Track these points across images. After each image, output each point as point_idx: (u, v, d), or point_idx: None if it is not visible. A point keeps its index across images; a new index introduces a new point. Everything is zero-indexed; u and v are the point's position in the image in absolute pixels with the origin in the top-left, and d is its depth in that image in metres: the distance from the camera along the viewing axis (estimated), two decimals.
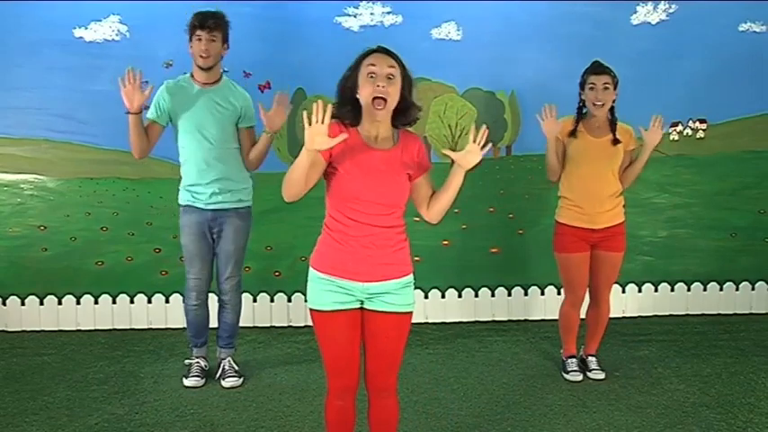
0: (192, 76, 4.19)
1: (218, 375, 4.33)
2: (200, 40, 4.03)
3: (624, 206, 4.30)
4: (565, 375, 4.37)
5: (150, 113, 4.14)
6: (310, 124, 2.50)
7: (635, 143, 4.26)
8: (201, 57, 4.05)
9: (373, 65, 2.69)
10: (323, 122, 2.50)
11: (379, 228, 2.75)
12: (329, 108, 2.52)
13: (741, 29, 5.30)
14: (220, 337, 4.41)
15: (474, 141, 2.77)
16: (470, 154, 2.77)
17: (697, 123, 5.40)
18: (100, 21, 5.04)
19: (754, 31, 5.30)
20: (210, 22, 4.02)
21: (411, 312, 2.88)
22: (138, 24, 5.05)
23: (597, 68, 4.17)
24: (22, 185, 5.23)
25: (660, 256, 5.45)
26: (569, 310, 4.36)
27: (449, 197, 2.84)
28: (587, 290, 4.35)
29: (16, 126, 5.13)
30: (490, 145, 2.80)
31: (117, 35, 5.06)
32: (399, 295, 2.81)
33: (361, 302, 2.82)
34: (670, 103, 5.30)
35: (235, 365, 4.35)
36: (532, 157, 5.36)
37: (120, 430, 3.73)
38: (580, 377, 4.33)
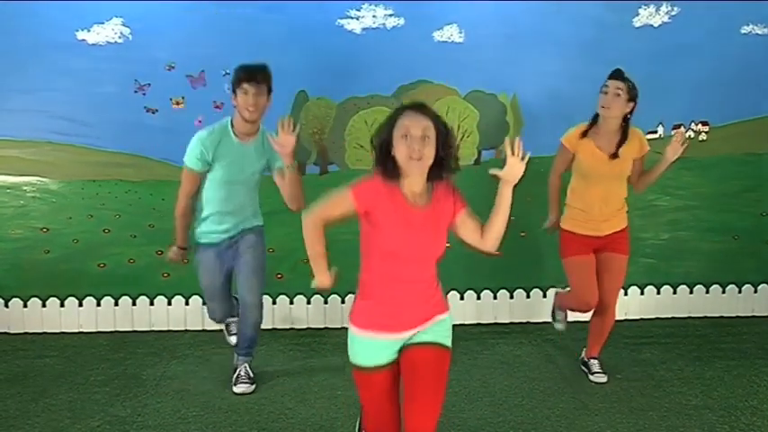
0: (231, 125, 4.12)
1: (233, 380, 4.33)
2: (246, 93, 3.97)
3: (627, 211, 4.32)
4: (590, 377, 4.39)
5: (194, 165, 4.07)
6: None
7: (646, 148, 4.24)
8: (249, 110, 3.99)
9: (408, 127, 2.67)
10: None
11: (416, 283, 2.79)
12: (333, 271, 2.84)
13: (743, 31, 5.29)
14: (238, 346, 4.40)
15: (513, 154, 2.79)
16: (513, 167, 2.81)
17: (699, 126, 5.39)
18: (102, 23, 5.04)
19: (757, 34, 5.29)
20: (259, 77, 4.00)
21: (449, 349, 2.86)
22: (140, 27, 5.05)
23: (614, 74, 4.17)
24: (24, 188, 5.23)
25: (662, 259, 5.44)
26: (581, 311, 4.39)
27: (502, 220, 2.85)
28: (597, 296, 4.29)
29: (19, 128, 5.13)
30: (528, 154, 2.82)
31: (120, 37, 5.06)
32: (437, 332, 2.83)
33: (400, 351, 2.83)
34: (672, 106, 5.32)
35: (250, 372, 4.34)
36: (535, 160, 5.31)
37: None
38: (605, 378, 4.33)
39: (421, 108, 2.73)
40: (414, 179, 2.73)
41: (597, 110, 4.18)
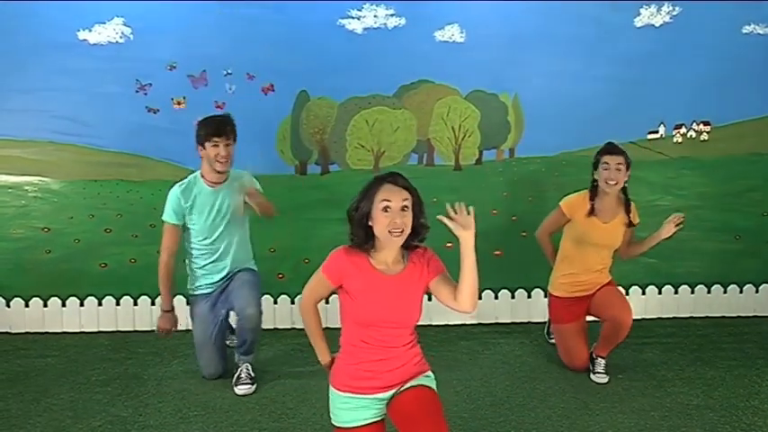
0: (202, 176, 4.31)
1: (234, 381, 4.33)
2: (216, 146, 4.17)
3: (610, 269, 4.52)
4: (591, 375, 4.41)
5: (170, 218, 4.28)
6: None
7: (637, 220, 4.41)
8: (220, 162, 4.19)
9: (388, 200, 2.72)
10: None
11: (393, 348, 2.82)
12: None
13: (745, 31, 5.29)
14: (239, 347, 4.40)
15: (453, 218, 2.74)
16: (460, 227, 2.75)
17: (701, 126, 5.39)
18: (104, 23, 5.05)
19: (758, 33, 5.29)
20: (228, 129, 4.20)
21: (435, 392, 2.86)
22: (142, 26, 5.05)
23: (611, 149, 4.30)
24: (26, 187, 5.24)
25: (664, 259, 5.44)
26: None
27: (471, 278, 2.80)
28: (587, 358, 4.46)
29: (20, 128, 5.13)
30: (472, 209, 2.80)
31: (121, 37, 5.06)
32: (419, 380, 2.85)
33: (384, 412, 2.85)
34: (673, 106, 5.32)
35: (251, 372, 4.34)
36: (536, 160, 5.36)
37: None
38: (605, 380, 4.35)
39: (398, 179, 2.78)
40: (389, 251, 2.80)
41: (601, 186, 4.30)
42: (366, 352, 2.81)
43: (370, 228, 2.76)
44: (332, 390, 2.91)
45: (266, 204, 4.29)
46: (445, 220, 2.73)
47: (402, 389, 2.82)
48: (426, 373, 2.90)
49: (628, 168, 4.25)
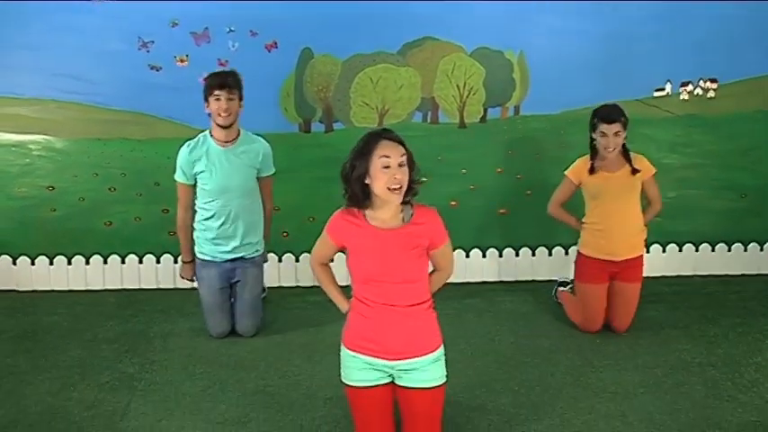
0: (211, 134, 4.29)
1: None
2: (219, 99, 4.14)
3: (645, 240, 4.42)
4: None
5: (181, 177, 4.33)
6: None
7: (652, 171, 4.34)
8: (222, 116, 4.15)
9: (387, 156, 2.71)
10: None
11: (401, 307, 2.81)
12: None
13: None
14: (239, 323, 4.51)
15: None
16: None
17: (708, 83, 5.34)
18: None
19: None
20: (230, 81, 4.16)
21: (444, 384, 2.91)
22: None
23: (607, 117, 4.22)
24: (30, 146, 5.23)
25: (669, 217, 5.41)
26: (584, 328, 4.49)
27: (437, 285, 3.02)
28: (602, 323, 4.45)
29: (24, 86, 5.11)
30: None
31: None
32: (429, 371, 2.86)
33: (392, 377, 2.88)
34: (681, 63, 5.26)
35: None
36: (540, 118, 5.32)
37: (130, 388, 3.77)
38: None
39: (393, 135, 2.78)
40: (387, 208, 2.80)
41: (600, 151, 4.26)
42: (370, 310, 2.81)
43: (367, 186, 2.76)
44: (342, 348, 2.93)
45: (269, 203, 4.49)
46: None
47: (413, 384, 2.84)
48: (437, 355, 2.89)
49: (625, 128, 4.21)
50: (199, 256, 4.44)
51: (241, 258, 4.39)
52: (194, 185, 4.33)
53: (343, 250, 2.93)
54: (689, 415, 3.41)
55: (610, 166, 4.27)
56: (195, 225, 4.41)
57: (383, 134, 2.77)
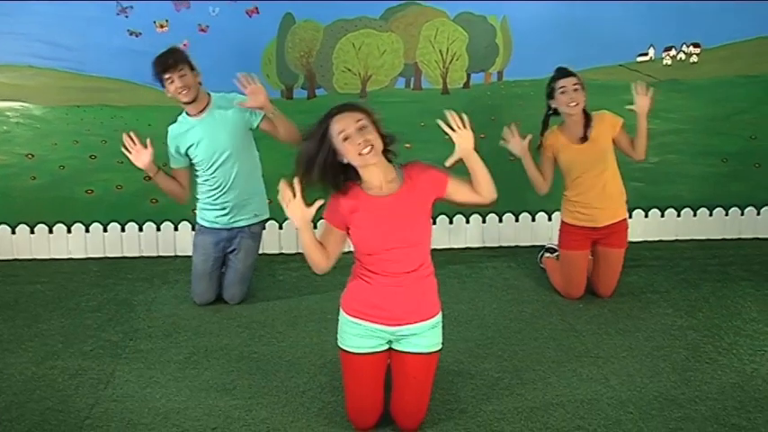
0: (186, 112, 4.28)
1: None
2: (172, 82, 4.12)
3: (627, 201, 4.41)
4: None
5: (172, 163, 4.36)
6: (287, 206, 2.69)
7: (619, 122, 4.28)
8: (182, 94, 4.13)
9: (342, 129, 2.69)
10: (294, 197, 2.68)
11: (403, 274, 2.81)
12: (296, 182, 2.68)
13: None
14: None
15: (454, 130, 2.84)
16: (462, 141, 2.86)
17: (690, 48, 5.33)
18: None
19: None
20: (171, 61, 4.12)
21: (439, 350, 2.93)
22: None
23: (563, 73, 4.22)
24: (7, 113, 5.16)
25: (651, 182, 5.45)
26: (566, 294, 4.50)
27: (482, 171, 2.92)
28: (584, 288, 4.46)
29: None
30: (467, 119, 2.89)
31: None
32: (427, 337, 2.88)
33: (390, 342, 2.89)
34: (663, 28, 5.25)
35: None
36: (524, 83, 5.31)
37: (114, 356, 3.77)
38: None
39: (342, 106, 2.76)
40: (373, 171, 2.77)
41: (563, 111, 4.22)
42: (378, 279, 2.82)
43: (347, 165, 2.75)
44: (342, 313, 2.94)
45: (290, 129, 4.24)
46: (446, 129, 2.80)
47: (409, 349, 2.87)
48: (435, 321, 2.91)
49: (584, 89, 4.18)
50: (198, 221, 4.46)
51: (239, 227, 4.39)
52: (192, 166, 4.35)
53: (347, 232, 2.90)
54: (670, 378, 3.45)
55: (576, 138, 4.24)
56: (198, 196, 4.43)
57: (332, 111, 2.76)
